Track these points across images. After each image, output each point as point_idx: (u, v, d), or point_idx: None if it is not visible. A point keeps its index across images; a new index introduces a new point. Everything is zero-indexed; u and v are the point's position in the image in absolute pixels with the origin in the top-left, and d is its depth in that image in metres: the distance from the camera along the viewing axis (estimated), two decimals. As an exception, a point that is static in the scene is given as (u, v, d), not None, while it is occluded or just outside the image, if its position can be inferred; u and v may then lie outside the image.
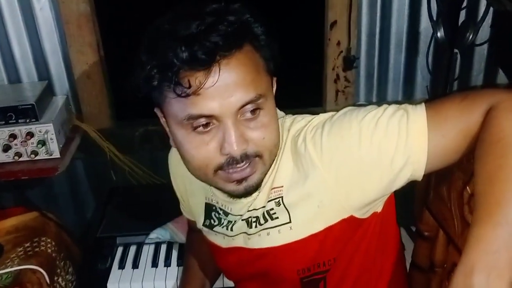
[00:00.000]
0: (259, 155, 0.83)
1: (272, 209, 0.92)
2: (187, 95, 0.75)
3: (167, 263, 1.40)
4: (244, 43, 0.78)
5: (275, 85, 0.89)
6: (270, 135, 0.83)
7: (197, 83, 0.74)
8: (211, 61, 0.73)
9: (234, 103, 0.77)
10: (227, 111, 0.77)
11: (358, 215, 0.89)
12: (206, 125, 0.79)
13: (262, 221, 0.93)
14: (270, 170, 0.91)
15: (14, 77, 1.65)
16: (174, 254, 1.43)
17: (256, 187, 0.87)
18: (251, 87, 0.78)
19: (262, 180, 0.88)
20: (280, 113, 0.97)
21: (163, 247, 1.46)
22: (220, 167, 0.82)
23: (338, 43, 1.63)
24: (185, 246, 1.32)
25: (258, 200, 0.93)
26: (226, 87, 0.75)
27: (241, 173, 0.83)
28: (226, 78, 0.75)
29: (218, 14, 0.77)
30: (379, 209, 0.94)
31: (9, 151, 1.42)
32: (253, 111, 0.79)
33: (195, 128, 0.79)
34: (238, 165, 0.82)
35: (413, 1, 1.63)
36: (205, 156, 0.81)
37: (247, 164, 0.82)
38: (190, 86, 0.74)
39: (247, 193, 0.87)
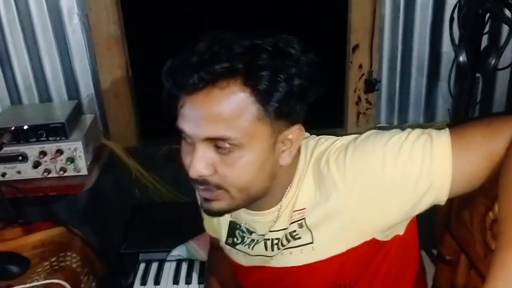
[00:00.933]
0: (221, 188, 0.84)
1: (295, 231, 0.93)
2: (179, 112, 0.82)
3: (188, 281, 1.41)
4: (232, 85, 0.78)
5: (296, 132, 0.86)
6: (237, 176, 0.83)
7: (181, 104, 0.81)
8: (193, 91, 0.78)
9: (199, 133, 0.80)
10: (195, 137, 0.81)
11: (380, 238, 0.90)
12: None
13: (284, 242, 0.94)
14: (292, 193, 0.92)
15: (45, 96, 1.71)
16: (195, 271, 1.44)
17: (219, 214, 0.90)
18: (221, 126, 0.79)
19: (229, 211, 0.90)
20: (305, 133, 0.99)
21: (185, 265, 1.48)
22: (192, 180, 0.85)
23: (360, 66, 1.65)
24: (206, 264, 1.33)
25: (280, 221, 0.94)
26: (197, 116, 0.79)
27: (202, 193, 0.87)
28: (199, 108, 0.79)
29: (226, 50, 0.79)
30: (401, 232, 0.94)
31: (39, 167, 1.46)
32: (224, 148, 0.80)
33: (185, 139, 0.84)
34: (199, 186, 0.85)
35: (435, 25, 1.65)
36: (185, 165, 0.85)
37: (206, 189, 0.85)
38: (182, 106, 0.81)
39: (212, 214, 0.90)
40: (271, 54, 0.79)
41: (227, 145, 0.80)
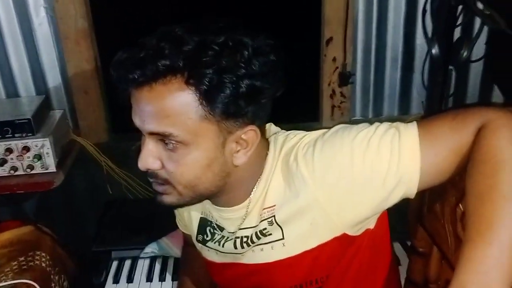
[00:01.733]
0: (168, 183, 0.84)
1: (265, 228, 0.92)
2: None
3: (162, 278, 1.40)
4: (175, 82, 0.77)
5: (251, 132, 0.84)
6: (181, 174, 0.83)
7: (132, 97, 0.81)
8: (138, 85, 0.78)
9: (144, 126, 0.81)
10: (142, 130, 0.82)
11: (350, 232, 0.89)
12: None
13: (255, 239, 0.93)
14: (260, 190, 0.91)
15: (11, 91, 1.66)
16: (169, 268, 1.43)
17: (171, 207, 0.91)
18: (163, 123, 0.78)
19: (180, 206, 0.91)
20: (274, 128, 0.98)
21: (158, 262, 1.46)
22: (147, 173, 0.86)
23: (334, 59, 1.65)
24: (180, 260, 1.31)
25: (249, 219, 0.93)
26: (142, 111, 0.80)
27: (154, 186, 0.87)
28: (144, 103, 0.79)
29: (176, 44, 0.77)
30: (371, 226, 0.94)
31: (5, 165, 1.42)
32: (170, 144, 0.80)
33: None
34: (150, 179, 0.86)
35: (409, 18, 1.65)
36: None
37: (155, 183, 0.86)
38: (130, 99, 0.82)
39: (165, 207, 0.90)
40: (217, 53, 0.77)
41: (172, 142, 0.80)
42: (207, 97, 0.77)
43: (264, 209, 0.91)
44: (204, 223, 1.03)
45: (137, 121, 0.82)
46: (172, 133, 0.78)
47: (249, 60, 0.78)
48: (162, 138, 0.80)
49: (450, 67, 1.57)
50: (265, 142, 0.92)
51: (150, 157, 0.82)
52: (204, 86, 0.76)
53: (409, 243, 1.32)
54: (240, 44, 0.79)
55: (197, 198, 0.88)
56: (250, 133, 0.84)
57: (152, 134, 0.81)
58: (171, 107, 0.78)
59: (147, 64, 0.76)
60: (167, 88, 0.77)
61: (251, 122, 0.83)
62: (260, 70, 0.79)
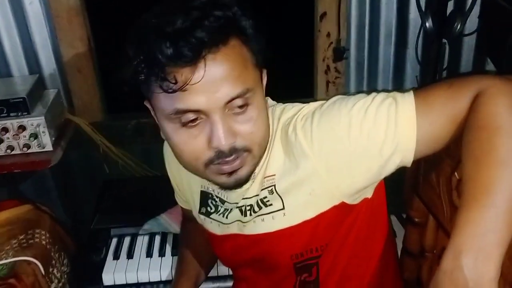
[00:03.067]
0: (247, 149, 0.83)
1: (266, 197, 0.93)
2: (174, 91, 0.75)
3: (162, 253, 1.41)
4: (230, 38, 0.77)
5: (265, 77, 0.89)
6: (258, 130, 0.83)
7: (184, 79, 0.74)
8: (197, 57, 0.73)
9: (221, 98, 0.77)
10: (214, 106, 0.77)
11: (349, 201, 0.91)
12: (194, 119, 0.79)
13: (256, 208, 0.95)
14: (263, 159, 0.92)
15: (4, 71, 1.65)
16: (168, 244, 1.44)
17: (246, 179, 0.88)
18: (238, 82, 0.77)
19: (252, 173, 0.89)
20: (271, 102, 0.99)
21: (157, 238, 1.47)
22: (211, 161, 0.82)
23: (328, 35, 1.65)
24: (179, 236, 1.33)
25: (252, 189, 0.95)
26: (212, 82, 0.75)
27: (231, 166, 0.83)
28: (212, 73, 0.75)
29: (204, 8, 0.76)
30: (369, 195, 0.95)
31: (1, 144, 1.42)
32: (241, 106, 0.79)
33: (184, 124, 0.79)
34: (227, 158, 0.82)
35: (402, -8, 1.65)
36: (194, 150, 0.82)
37: (236, 157, 0.83)
38: (176, 82, 0.74)
39: (238, 185, 0.88)
40: (238, 8, 0.80)
41: (241, 102, 0.79)
42: (252, 43, 0.81)
43: (265, 177, 0.93)
44: (205, 196, 1.04)
45: (205, 100, 0.76)
46: (248, 88, 0.79)
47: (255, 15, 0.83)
48: (230, 104, 0.78)
49: (444, 40, 1.58)
50: None
51: (228, 131, 0.79)
52: (249, 31, 0.81)
53: (404, 216, 1.35)
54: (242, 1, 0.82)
55: (259, 159, 0.89)
56: (264, 77, 0.88)
57: (225, 104, 0.78)
58: (239, 65, 0.78)
59: (197, 30, 0.73)
60: (228, 48, 0.77)
61: (263, 65, 0.87)
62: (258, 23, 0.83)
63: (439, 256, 1.03)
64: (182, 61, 0.73)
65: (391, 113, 0.81)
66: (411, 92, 0.83)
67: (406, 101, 0.82)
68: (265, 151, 0.89)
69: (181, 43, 0.72)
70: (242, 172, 0.86)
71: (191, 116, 0.78)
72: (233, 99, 0.78)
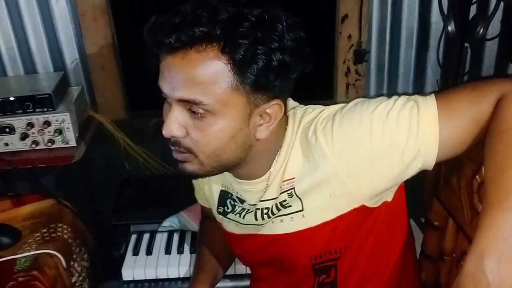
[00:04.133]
0: (191, 152, 0.85)
1: (285, 200, 0.94)
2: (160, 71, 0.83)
3: (180, 251, 1.42)
4: (207, 49, 0.78)
5: (276, 107, 0.85)
6: (207, 142, 0.84)
7: (163, 63, 0.82)
8: (171, 51, 0.79)
9: (174, 93, 0.81)
10: (170, 96, 0.82)
11: (369, 204, 0.91)
12: (165, 99, 0.85)
13: (275, 211, 0.96)
14: (280, 163, 0.93)
15: (30, 68, 1.68)
16: (187, 241, 1.45)
17: (191, 176, 0.91)
18: (195, 90, 0.79)
19: (201, 175, 0.91)
20: (293, 103, 0.99)
21: (176, 235, 1.48)
22: (169, 142, 0.87)
23: (349, 37, 1.65)
24: (198, 233, 1.34)
25: (270, 191, 0.95)
26: (173, 76, 0.80)
27: (174, 154, 0.88)
28: (176, 70, 0.80)
29: (213, 13, 0.78)
30: (389, 198, 0.96)
31: (27, 139, 1.44)
32: (197, 113, 0.81)
33: (164, 99, 0.86)
34: (171, 146, 0.87)
35: (424, -5, 1.65)
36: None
37: (178, 151, 0.86)
38: (160, 62, 0.83)
39: (186, 175, 0.91)
40: (254, 24, 0.78)
41: (200, 110, 0.81)
42: (240, 68, 0.78)
43: (284, 181, 0.93)
44: (224, 196, 1.05)
45: (165, 88, 0.82)
46: (202, 101, 0.79)
47: (282, 35, 0.80)
48: (190, 106, 0.81)
49: (466, 44, 1.57)
50: (284, 116, 0.93)
51: (176, 124, 0.83)
52: (239, 56, 0.78)
53: (422, 220, 1.34)
54: (275, 18, 0.80)
55: (218, 169, 0.90)
56: (274, 107, 0.85)
57: (180, 101, 0.81)
58: (204, 75, 0.79)
59: (184, 29, 0.77)
60: (201, 56, 0.78)
61: (276, 96, 0.85)
62: (291, 45, 0.81)
63: (459, 260, 1.03)
64: (161, 49, 0.81)
65: (413, 116, 0.81)
66: (433, 95, 0.83)
67: (428, 104, 0.82)
68: (222, 165, 0.88)
69: (167, 34, 0.78)
70: (186, 167, 0.89)
71: (163, 95, 0.84)
72: (183, 100, 0.81)
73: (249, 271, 1.28)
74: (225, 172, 0.98)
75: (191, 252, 1.41)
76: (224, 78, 0.79)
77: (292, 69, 0.83)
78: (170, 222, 1.50)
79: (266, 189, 0.95)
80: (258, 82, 0.80)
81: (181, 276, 1.37)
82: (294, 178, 0.93)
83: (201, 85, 0.79)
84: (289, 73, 0.83)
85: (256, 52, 0.78)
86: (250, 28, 0.78)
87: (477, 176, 0.91)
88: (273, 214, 0.96)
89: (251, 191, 0.98)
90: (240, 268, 1.35)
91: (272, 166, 0.94)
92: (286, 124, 0.94)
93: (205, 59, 0.78)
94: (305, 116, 0.94)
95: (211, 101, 0.80)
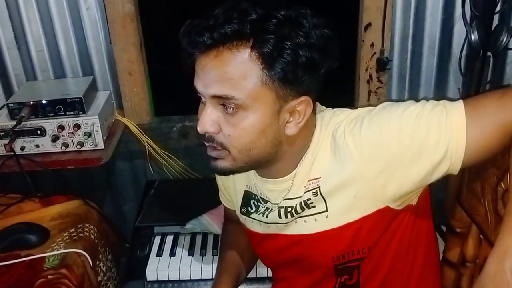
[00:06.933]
0: (225, 148, 0.89)
1: (310, 199, 0.96)
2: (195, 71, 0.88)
3: (203, 253, 1.44)
4: (241, 47, 0.82)
5: (303, 105, 0.88)
6: (238, 137, 0.87)
7: (197, 62, 0.86)
8: (205, 49, 0.84)
9: (208, 90, 0.86)
10: (205, 94, 0.87)
11: (393, 206, 0.93)
12: (200, 98, 0.90)
13: (299, 210, 0.97)
14: (307, 162, 0.94)
15: (59, 72, 1.73)
16: (209, 244, 1.48)
17: (224, 172, 0.94)
18: (227, 86, 0.83)
19: (233, 171, 0.94)
20: (320, 107, 1.02)
21: (199, 238, 1.51)
22: (203, 138, 0.91)
23: (372, 45, 1.67)
24: (221, 235, 1.36)
25: (294, 190, 0.97)
26: (208, 74, 0.85)
27: (208, 151, 0.92)
28: (210, 67, 0.84)
29: (243, 14, 0.82)
30: (414, 202, 0.97)
31: (57, 141, 1.49)
32: (230, 108, 0.85)
33: (199, 98, 0.90)
34: (206, 143, 0.91)
35: (447, 4, 1.65)
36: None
37: (212, 147, 0.90)
38: (194, 61, 0.87)
39: (218, 172, 0.94)
40: (280, 21, 0.82)
41: (232, 105, 0.85)
42: (269, 63, 0.82)
43: (309, 180, 0.95)
44: (248, 196, 1.07)
45: (200, 86, 0.87)
46: (234, 96, 0.83)
47: (308, 32, 0.83)
48: (223, 102, 0.85)
49: (488, 53, 1.57)
50: (313, 117, 0.96)
51: (210, 120, 0.87)
52: (267, 50, 0.81)
53: (443, 228, 1.35)
54: (301, 16, 0.84)
55: (250, 164, 0.92)
56: (303, 103, 0.88)
57: (214, 97, 0.86)
58: (235, 71, 0.83)
59: (216, 29, 0.81)
60: (233, 53, 0.82)
61: (305, 93, 0.88)
62: (317, 42, 0.84)
63: (481, 266, 1.03)
64: (195, 49, 0.85)
65: (442, 120, 0.83)
66: (461, 101, 0.85)
67: (456, 109, 0.83)
68: (254, 160, 0.91)
69: (201, 34, 0.83)
70: (220, 164, 0.92)
71: (198, 94, 0.89)
72: (216, 97, 0.85)
73: (270, 274, 1.30)
74: (250, 172, 1.01)
75: (213, 254, 1.43)
76: (254, 73, 0.83)
77: (319, 65, 0.86)
78: (193, 225, 1.52)
79: (290, 188, 0.98)
80: (286, 77, 0.83)
81: (204, 278, 1.39)
82: (320, 177, 0.94)
83: (232, 81, 0.83)
84: (316, 69, 0.86)
85: (283, 47, 0.82)
86: (278, 25, 0.82)
87: (501, 183, 0.92)
88: (296, 213, 0.98)
89: (276, 189, 1.00)
90: (262, 271, 1.36)
91: (298, 165, 0.96)
92: (315, 124, 0.96)
93: (236, 56, 0.82)
94: (333, 118, 0.96)
95: (242, 96, 0.84)
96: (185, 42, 0.85)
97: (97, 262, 1.42)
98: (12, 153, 1.46)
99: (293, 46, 0.82)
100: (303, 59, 0.83)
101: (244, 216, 1.10)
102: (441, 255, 1.18)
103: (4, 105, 1.51)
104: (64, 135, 1.48)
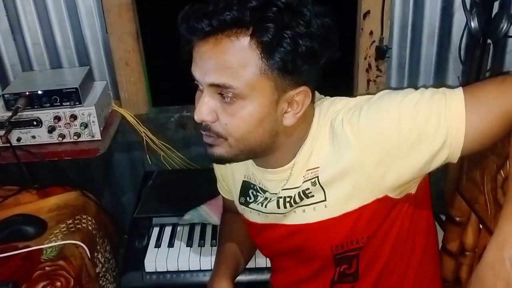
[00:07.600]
0: (221, 136, 0.88)
1: (308, 189, 0.95)
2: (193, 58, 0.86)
3: (201, 243, 1.44)
4: (240, 35, 0.81)
5: (302, 96, 0.87)
6: (236, 126, 0.87)
7: (195, 49, 0.85)
8: (203, 36, 0.82)
9: (205, 78, 0.85)
10: (202, 82, 0.86)
11: (392, 195, 0.92)
12: (198, 86, 0.89)
13: (297, 199, 0.97)
14: (305, 152, 0.94)
15: (55, 62, 1.71)
16: (208, 235, 1.47)
17: (223, 161, 0.93)
18: (225, 74, 0.82)
19: (230, 159, 0.93)
20: (319, 96, 1.01)
21: (197, 228, 1.50)
22: (200, 127, 0.90)
23: (371, 33, 1.65)
24: (220, 226, 1.36)
25: (292, 180, 0.97)
26: (206, 62, 0.83)
27: (204, 139, 0.91)
28: (208, 55, 0.83)
29: (243, 1, 0.81)
30: (413, 190, 0.96)
31: (54, 132, 1.48)
32: (227, 97, 0.84)
33: (196, 86, 0.89)
34: (202, 131, 0.90)
35: (446, -8, 1.64)
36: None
37: (209, 135, 0.89)
38: (192, 47, 0.86)
39: (214, 160, 0.94)
40: (281, 10, 0.81)
41: (230, 94, 0.83)
42: (268, 52, 0.81)
43: (308, 170, 0.94)
44: (247, 186, 1.07)
45: (197, 73, 0.86)
46: (232, 85, 0.82)
47: (309, 21, 0.82)
48: (221, 91, 0.84)
49: (488, 41, 1.56)
50: (312, 107, 0.94)
51: (207, 109, 0.86)
52: (267, 39, 0.80)
53: (442, 217, 1.34)
54: (302, 4, 0.82)
55: (246, 152, 0.91)
56: (302, 94, 0.87)
57: (211, 86, 0.84)
58: (234, 59, 0.81)
59: (216, 15, 0.80)
60: (232, 41, 0.81)
61: (304, 83, 0.86)
62: (318, 32, 0.82)
63: (481, 256, 1.03)
64: (194, 36, 0.83)
65: (441, 107, 0.82)
66: (461, 88, 0.84)
67: (456, 97, 0.82)
68: (249, 148, 0.90)
69: (205, 21, 0.81)
70: (216, 151, 0.91)
71: (196, 82, 0.88)
72: (214, 85, 0.84)
73: (269, 265, 1.30)
74: (248, 162, 1.00)
75: (212, 245, 1.43)
76: (253, 62, 0.82)
77: (319, 55, 0.85)
78: (191, 216, 1.52)
79: (289, 178, 0.97)
80: (286, 67, 0.82)
81: (203, 268, 1.39)
82: (318, 167, 0.94)
83: (231, 69, 0.82)
84: (316, 59, 0.85)
85: (283, 36, 0.80)
86: (278, 13, 0.80)
87: (501, 171, 0.91)
88: (295, 203, 0.97)
89: (274, 179, 0.99)
90: (260, 261, 1.36)
91: (297, 155, 0.95)
92: (313, 114, 0.95)
93: (235, 44, 0.81)
94: (331, 107, 0.95)
95: (240, 85, 0.82)
96: (183, 28, 0.84)
97: (95, 254, 1.41)
98: (9, 145, 1.45)
99: (293, 35, 0.80)
100: (303, 49, 0.81)
101: (242, 206, 1.09)
102: (440, 244, 1.18)
103: (-1, 95, 1.50)
104: (60, 126, 1.47)
